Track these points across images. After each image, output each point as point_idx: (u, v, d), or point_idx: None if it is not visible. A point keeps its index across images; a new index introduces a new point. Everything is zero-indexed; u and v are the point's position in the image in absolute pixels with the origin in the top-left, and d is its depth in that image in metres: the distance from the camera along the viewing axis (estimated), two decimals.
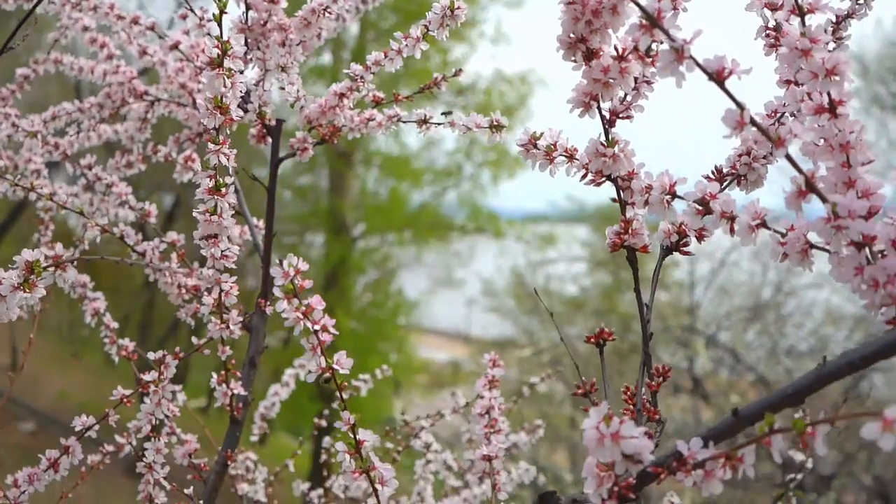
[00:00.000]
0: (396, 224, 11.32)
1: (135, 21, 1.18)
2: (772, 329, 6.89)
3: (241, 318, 0.99)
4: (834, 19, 0.79)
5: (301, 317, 0.68)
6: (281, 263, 0.67)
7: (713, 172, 0.76)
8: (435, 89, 1.06)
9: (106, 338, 1.16)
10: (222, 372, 1.04)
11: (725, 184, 0.75)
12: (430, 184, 11.80)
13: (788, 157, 0.56)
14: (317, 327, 0.68)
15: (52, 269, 0.71)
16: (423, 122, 1.03)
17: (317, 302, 0.69)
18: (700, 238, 0.74)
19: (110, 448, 1.23)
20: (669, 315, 7.34)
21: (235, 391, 1.05)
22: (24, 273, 0.72)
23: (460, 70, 1.10)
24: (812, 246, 0.60)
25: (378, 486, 0.71)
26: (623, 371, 6.85)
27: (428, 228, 11.49)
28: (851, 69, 0.59)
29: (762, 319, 6.57)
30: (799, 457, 1.17)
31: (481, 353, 1.11)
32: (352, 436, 0.71)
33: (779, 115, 0.75)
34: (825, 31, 0.79)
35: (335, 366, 0.69)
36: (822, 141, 0.61)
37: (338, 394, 0.70)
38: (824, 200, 0.56)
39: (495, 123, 0.94)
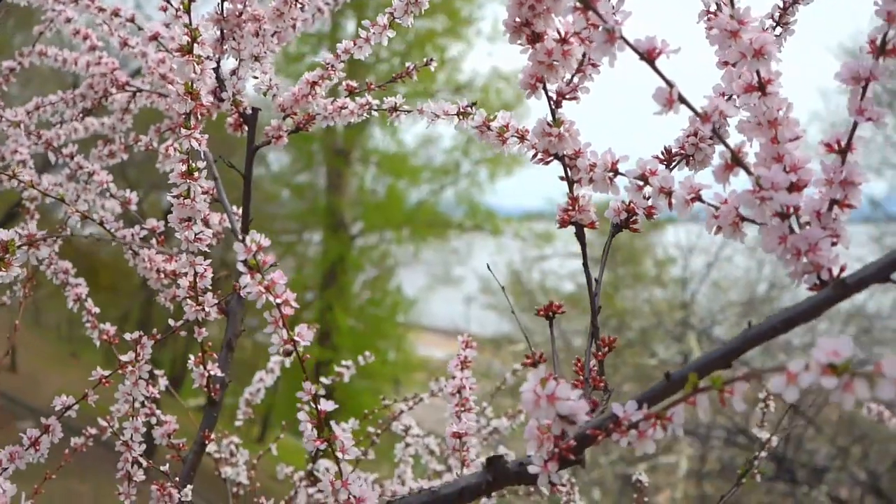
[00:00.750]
0: (394, 222, 11.35)
1: (115, 13, 1.21)
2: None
3: (216, 301, 1.02)
4: (781, 4, 0.82)
5: (263, 290, 0.71)
6: (244, 240, 0.70)
7: (662, 153, 0.79)
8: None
9: (87, 322, 1.19)
10: (199, 354, 1.07)
11: (674, 163, 0.78)
12: (428, 181, 11.84)
13: (714, 132, 0.59)
14: (279, 300, 0.71)
15: (25, 247, 0.75)
16: (394, 109, 1.06)
17: (279, 277, 0.72)
18: (649, 216, 0.77)
19: (93, 430, 1.26)
20: (665, 311, 7.39)
21: (212, 373, 1.08)
22: None
23: (431, 59, 1.13)
24: (743, 218, 0.63)
25: (339, 455, 0.74)
26: (617, 365, 6.89)
27: (426, 226, 11.53)
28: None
29: (757, 314, 6.60)
30: (763, 435, 1.20)
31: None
32: (314, 406, 0.74)
33: (726, 97, 0.78)
34: (772, 17, 0.83)
35: (297, 338, 0.72)
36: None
37: (300, 364, 0.73)
38: (750, 173, 0.59)
39: (462, 111, 0.97)
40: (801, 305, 0.57)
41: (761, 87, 0.62)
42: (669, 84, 0.58)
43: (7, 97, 1.47)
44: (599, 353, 0.71)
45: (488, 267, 0.88)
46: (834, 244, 0.59)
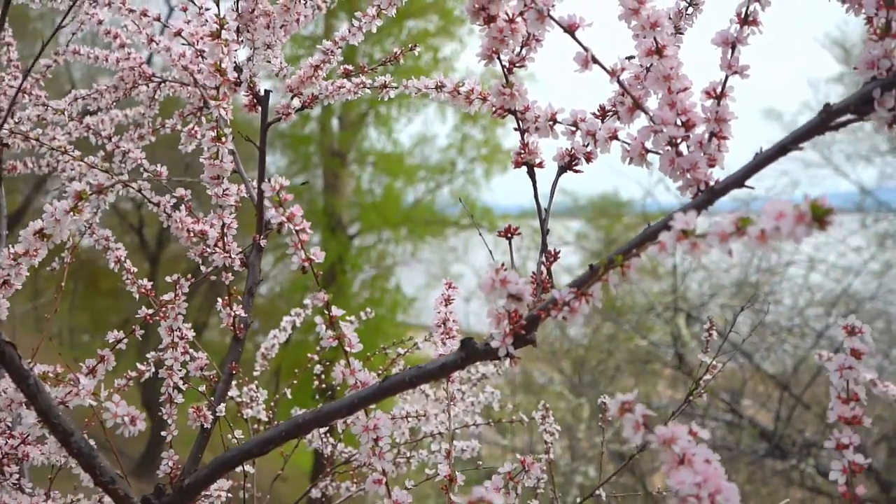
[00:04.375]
0: (392, 221, 11.54)
1: (143, 14, 1.41)
2: (756, 307, 7.14)
3: (240, 250, 1.22)
4: None
5: (286, 220, 0.91)
6: (269, 181, 0.90)
7: (598, 109, 0.99)
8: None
9: (127, 279, 1.39)
10: (226, 297, 1.27)
11: (607, 118, 0.98)
12: (424, 180, 12.05)
13: (619, 83, 0.79)
14: (298, 228, 0.91)
15: (95, 195, 0.95)
16: (384, 86, 1.26)
17: (297, 210, 0.92)
18: (588, 160, 0.97)
19: (133, 374, 1.46)
20: (656, 296, 7.60)
21: (237, 313, 1.28)
22: (74, 200, 0.95)
23: (415, 45, 1.33)
24: (648, 150, 0.83)
25: (347, 349, 0.94)
26: (612, 351, 7.11)
27: (423, 225, 11.72)
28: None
29: (745, 295, 6.80)
30: (705, 358, 1.40)
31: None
32: (326, 312, 0.94)
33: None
34: None
35: (312, 256, 0.92)
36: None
37: (313, 279, 0.93)
38: (647, 113, 0.80)
39: (439, 84, 1.17)
40: (685, 207, 0.77)
41: (658, 50, 0.82)
42: (586, 49, 0.79)
43: None
44: (548, 262, 0.91)
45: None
46: (712, 166, 0.80)
